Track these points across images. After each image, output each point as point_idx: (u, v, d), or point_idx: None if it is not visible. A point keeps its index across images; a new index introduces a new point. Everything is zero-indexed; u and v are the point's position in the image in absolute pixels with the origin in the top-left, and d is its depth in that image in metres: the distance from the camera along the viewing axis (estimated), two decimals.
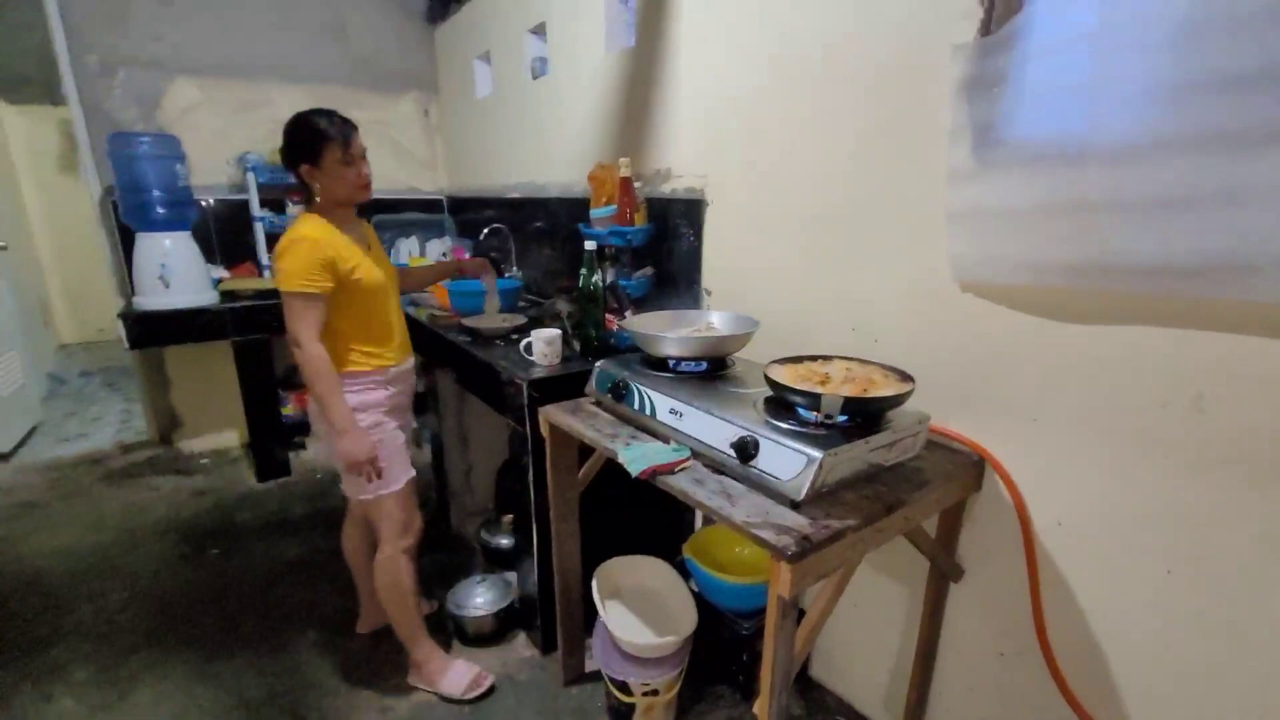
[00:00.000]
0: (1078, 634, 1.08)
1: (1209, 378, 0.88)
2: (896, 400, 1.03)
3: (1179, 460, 0.92)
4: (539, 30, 2.37)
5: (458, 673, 1.61)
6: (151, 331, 2.47)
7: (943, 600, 1.29)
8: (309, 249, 1.34)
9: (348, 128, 1.41)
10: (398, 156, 3.34)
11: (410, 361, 1.64)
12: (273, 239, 2.86)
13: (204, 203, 2.82)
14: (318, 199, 1.44)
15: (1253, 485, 0.86)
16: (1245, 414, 0.85)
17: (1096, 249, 0.94)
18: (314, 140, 1.37)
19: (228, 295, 2.64)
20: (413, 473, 1.59)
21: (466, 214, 3.23)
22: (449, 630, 1.84)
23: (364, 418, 1.47)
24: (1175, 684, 0.98)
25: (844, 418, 1.03)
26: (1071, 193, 0.95)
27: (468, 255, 2.98)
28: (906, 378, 1.10)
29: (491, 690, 1.62)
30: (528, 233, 2.61)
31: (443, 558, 2.24)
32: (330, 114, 1.41)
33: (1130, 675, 1.03)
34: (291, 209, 2.96)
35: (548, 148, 2.40)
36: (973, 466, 1.15)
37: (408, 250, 3.05)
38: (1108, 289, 0.95)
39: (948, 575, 1.25)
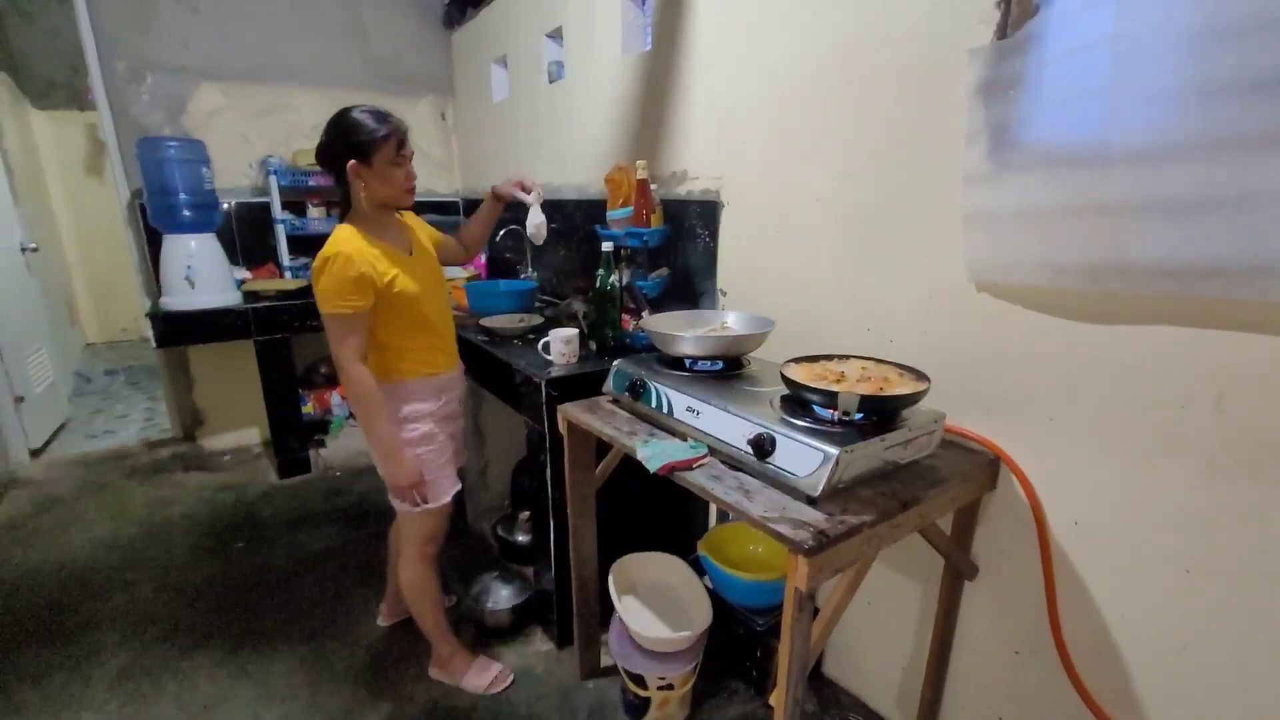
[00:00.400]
0: (1093, 633, 1.09)
1: (1229, 379, 0.88)
2: (912, 399, 1.04)
3: (1198, 460, 0.93)
4: (556, 35, 2.40)
5: (479, 670, 1.65)
6: (178, 331, 2.53)
7: (957, 598, 1.30)
8: (342, 266, 1.26)
9: (403, 125, 1.36)
10: (417, 159, 3.36)
11: (460, 368, 1.61)
12: (294, 241, 2.93)
13: (227, 205, 2.88)
14: (356, 203, 1.36)
15: (1274, 485, 0.86)
16: (1266, 415, 0.86)
17: (1113, 250, 0.94)
18: (373, 135, 1.29)
19: (250, 295, 2.70)
20: (458, 487, 1.57)
21: None
22: (469, 624, 1.87)
23: (416, 427, 1.44)
24: (1193, 684, 0.98)
25: (860, 415, 1.05)
26: (1088, 195, 0.96)
27: (483, 257, 3.01)
28: (922, 377, 1.11)
29: (512, 685, 1.65)
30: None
31: (459, 553, 2.27)
32: (383, 111, 1.34)
33: (1147, 675, 1.03)
34: (312, 211, 3.01)
35: (564, 150, 2.43)
36: (988, 465, 1.16)
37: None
38: (1125, 290, 0.96)
39: (962, 573, 1.26)
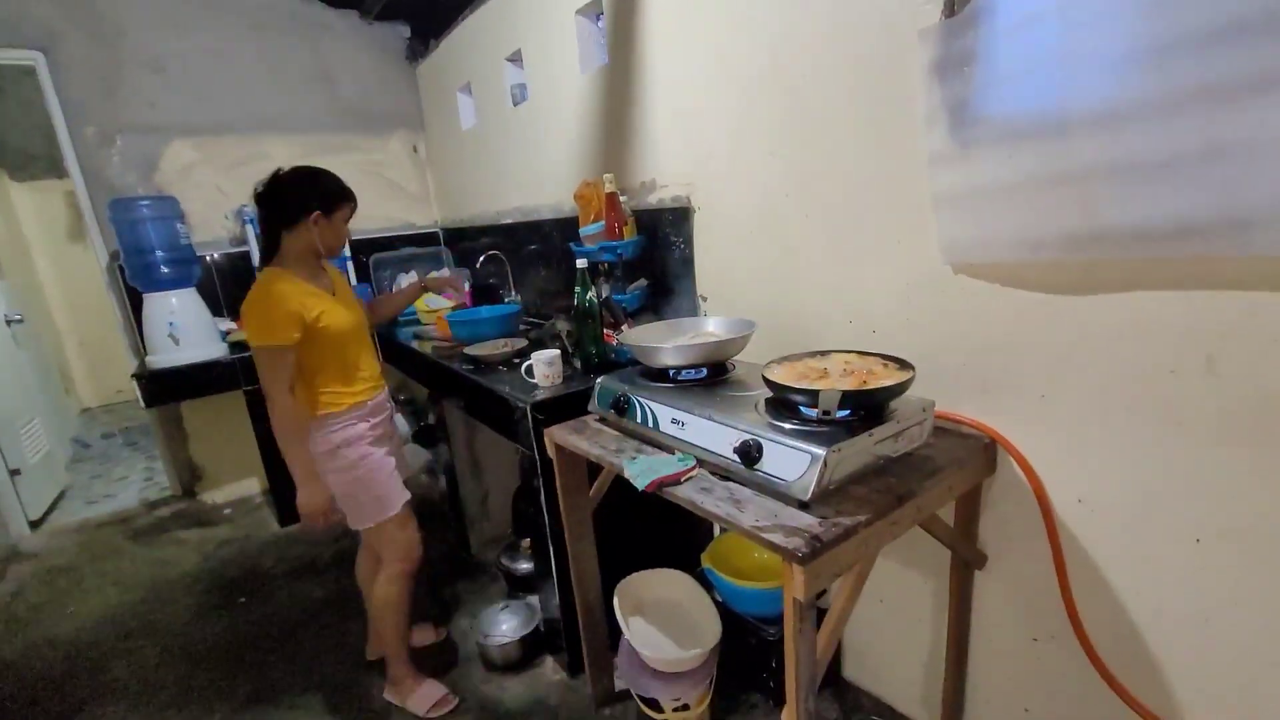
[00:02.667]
0: (1111, 612, 1.05)
1: (1219, 340, 0.86)
2: (897, 390, 1.01)
3: (1196, 425, 0.90)
4: (515, 58, 2.40)
5: (425, 693, 1.67)
6: (166, 388, 2.51)
7: (969, 589, 1.26)
8: (274, 303, 1.38)
9: (354, 195, 1.55)
10: (392, 194, 3.38)
11: (385, 391, 1.68)
12: None
13: (207, 258, 2.87)
14: (292, 251, 1.47)
15: (1275, 443, 0.83)
16: (1258, 372, 0.83)
17: (1087, 218, 0.92)
18: (339, 195, 1.48)
19: (235, 346, 2.68)
20: (407, 496, 1.63)
21: (463, 243, 3.26)
22: (479, 660, 1.83)
23: (349, 452, 1.52)
24: (1219, 655, 0.94)
25: (846, 412, 1.02)
26: (1055, 164, 0.94)
27: (467, 285, 3.00)
28: (906, 366, 1.08)
29: (457, 707, 1.67)
30: (523, 256, 2.63)
31: (465, 585, 2.23)
32: (339, 179, 1.52)
33: (1169, 650, 0.99)
34: None
35: (535, 171, 2.42)
36: (984, 449, 1.13)
37: (407, 284, 3.07)
38: (1103, 257, 0.93)
39: (970, 563, 1.22)
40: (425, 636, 1.92)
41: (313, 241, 1.47)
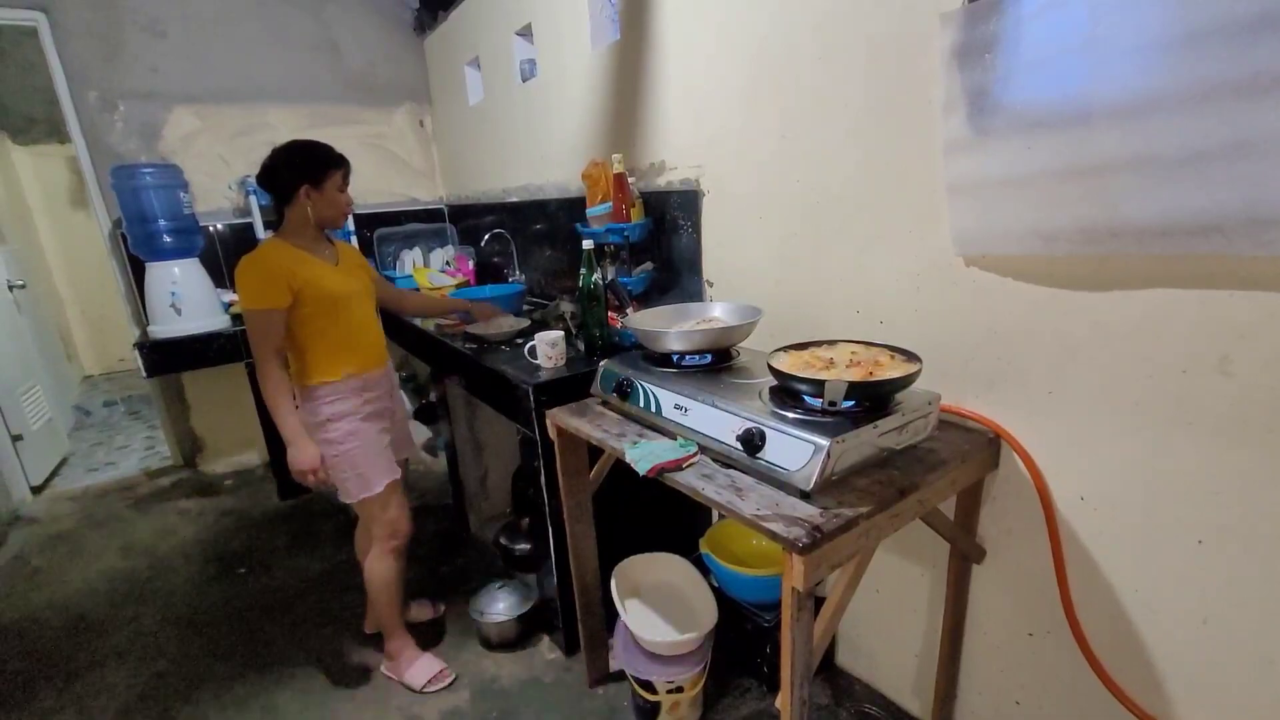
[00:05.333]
0: (1108, 610, 1.05)
1: (1235, 339, 0.84)
2: (903, 382, 1.01)
3: (1205, 426, 0.89)
4: (525, 32, 2.35)
5: (422, 667, 1.69)
6: (167, 358, 2.50)
7: (966, 582, 1.26)
8: (260, 266, 1.40)
9: (347, 160, 1.53)
10: (396, 168, 3.35)
11: (385, 367, 1.68)
12: None
13: (210, 228, 2.85)
14: (292, 223, 1.49)
15: None
16: (1273, 375, 0.82)
17: (1105, 212, 0.90)
18: (324, 163, 1.47)
19: (238, 318, 2.67)
20: (395, 475, 1.64)
21: (467, 221, 3.24)
22: (476, 636, 1.85)
23: (339, 426, 1.52)
24: (1216, 657, 0.94)
25: (850, 403, 1.01)
26: (1075, 156, 0.92)
27: (471, 263, 2.98)
28: (913, 358, 1.07)
29: (453, 684, 1.69)
30: (529, 235, 2.60)
31: (463, 563, 2.25)
32: (330, 146, 1.52)
33: (1167, 650, 1.00)
34: None
35: (543, 149, 2.39)
36: (988, 444, 1.12)
37: (411, 261, 3.06)
38: (1120, 253, 0.91)
39: (969, 556, 1.22)
40: (423, 613, 1.94)
41: (309, 214, 1.48)
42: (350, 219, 1.66)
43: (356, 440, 1.55)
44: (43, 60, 2.59)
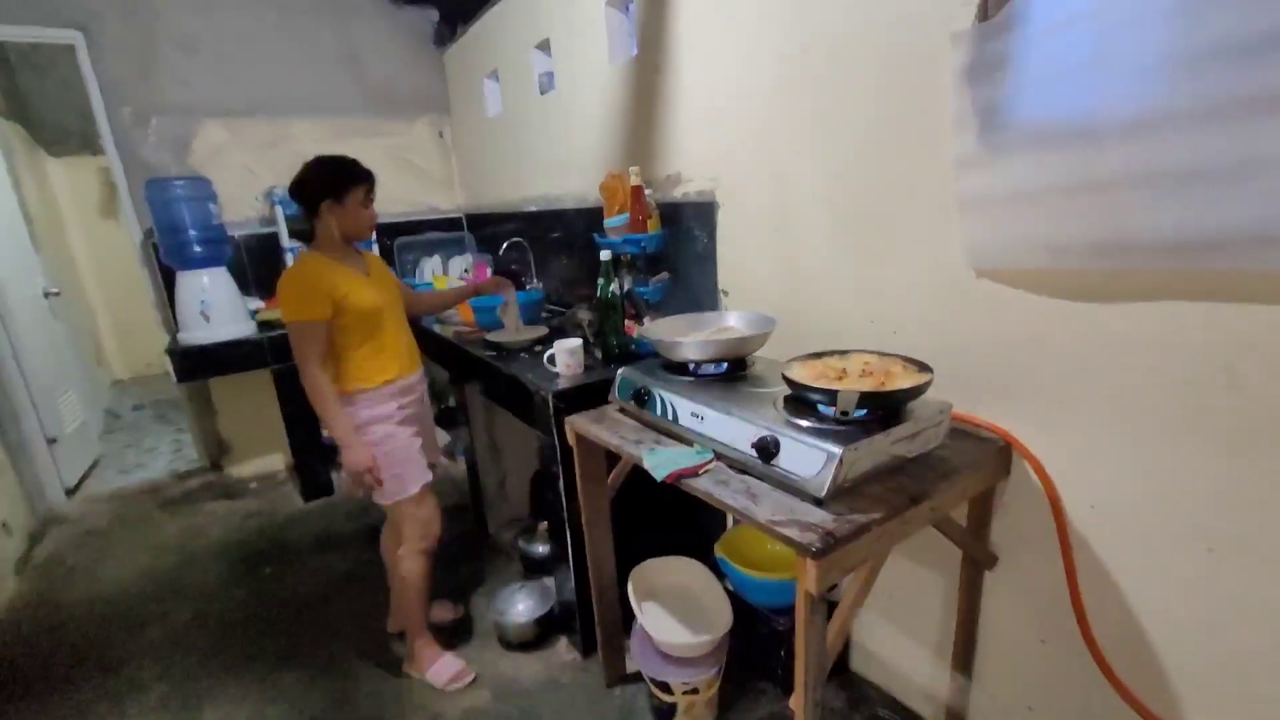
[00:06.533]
0: (1119, 618, 1.06)
1: (1240, 351, 0.86)
2: (915, 391, 1.03)
3: (1214, 436, 0.91)
4: (544, 46, 2.41)
5: (444, 666, 1.74)
6: (196, 365, 2.59)
7: (978, 588, 1.28)
8: (301, 280, 1.47)
9: (372, 174, 1.58)
10: (416, 178, 3.42)
11: (418, 373, 1.74)
12: None
13: (236, 237, 2.94)
14: (321, 236, 1.55)
15: None
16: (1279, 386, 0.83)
17: (1114, 227, 0.92)
18: (346, 179, 1.52)
19: (264, 325, 2.75)
20: (428, 478, 1.69)
21: (486, 229, 3.30)
22: (494, 638, 1.89)
23: (376, 429, 1.58)
24: (1226, 665, 0.96)
25: (863, 412, 1.04)
26: (1084, 172, 0.94)
27: (489, 271, 3.04)
28: (925, 368, 1.09)
29: (474, 682, 1.74)
30: (546, 244, 2.65)
31: (482, 566, 2.29)
32: (355, 161, 1.57)
33: (1178, 658, 1.01)
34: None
35: (560, 160, 2.44)
36: (999, 453, 1.15)
37: (431, 269, 3.13)
38: (1129, 267, 0.94)
39: (981, 563, 1.24)
40: (444, 613, 1.99)
41: (335, 227, 1.54)
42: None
43: (393, 443, 1.60)
44: (79, 76, 2.70)
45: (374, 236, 3.16)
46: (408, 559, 1.70)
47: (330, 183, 1.51)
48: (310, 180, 1.52)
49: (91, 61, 2.64)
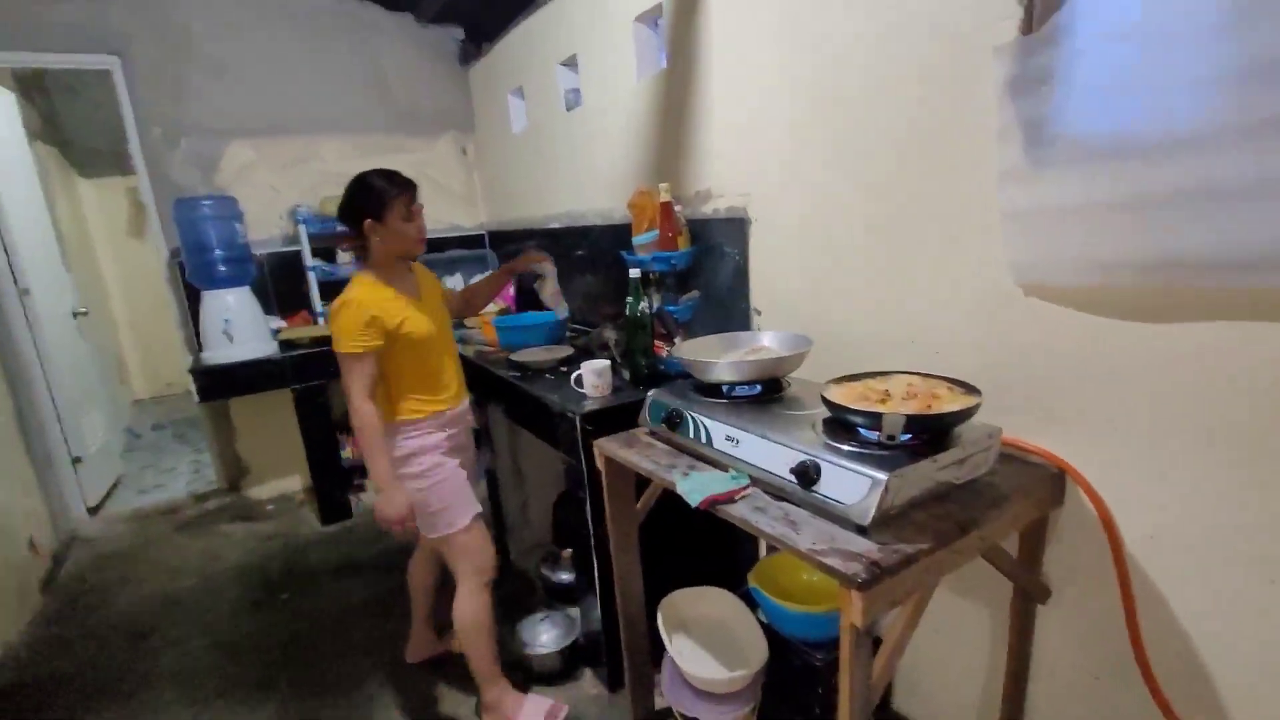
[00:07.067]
0: (1179, 653, 1.04)
1: None
2: (963, 415, 1.03)
3: (1273, 461, 0.89)
4: (570, 63, 2.47)
5: (533, 707, 1.67)
6: (219, 384, 2.67)
7: (1030, 622, 1.25)
8: (355, 310, 1.45)
9: (411, 185, 1.55)
10: (439, 195, 3.51)
11: (466, 402, 1.74)
12: (325, 287, 3.06)
13: (260, 255, 3.04)
14: (372, 254, 1.55)
15: None
16: None
17: (1163, 245, 0.92)
18: (383, 196, 1.49)
19: (286, 344, 2.83)
20: (478, 508, 1.66)
21: (508, 246, 3.37)
22: (517, 669, 1.89)
23: (424, 460, 1.57)
24: None
25: (908, 436, 1.03)
26: (1132, 188, 0.94)
27: (511, 289, 3.09)
28: (972, 390, 1.09)
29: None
30: (570, 261, 2.70)
31: (503, 593, 2.30)
32: (393, 173, 1.54)
33: (1240, 695, 0.98)
34: (342, 257, 3.15)
35: (585, 177, 2.49)
36: (1052, 480, 1.13)
37: (453, 287, 3.19)
38: (1181, 284, 0.93)
39: (1033, 596, 1.22)
40: None
41: (381, 247, 1.53)
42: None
43: (441, 474, 1.58)
44: (111, 99, 2.85)
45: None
46: (467, 599, 1.62)
47: (367, 201, 1.50)
48: (350, 201, 1.52)
49: (126, 85, 2.78)
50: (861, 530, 0.95)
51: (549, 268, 1.87)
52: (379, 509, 1.50)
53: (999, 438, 1.11)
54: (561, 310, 1.87)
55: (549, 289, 1.89)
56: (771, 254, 1.69)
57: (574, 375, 1.72)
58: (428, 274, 1.73)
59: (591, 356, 1.92)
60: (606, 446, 1.43)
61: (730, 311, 1.83)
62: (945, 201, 1.24)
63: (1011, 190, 1.10)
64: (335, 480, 2.98)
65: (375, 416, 1.49)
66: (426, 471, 1.57)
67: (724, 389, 1.37)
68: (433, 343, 1.58)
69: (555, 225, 2.79)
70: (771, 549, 1.80)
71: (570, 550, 2.08)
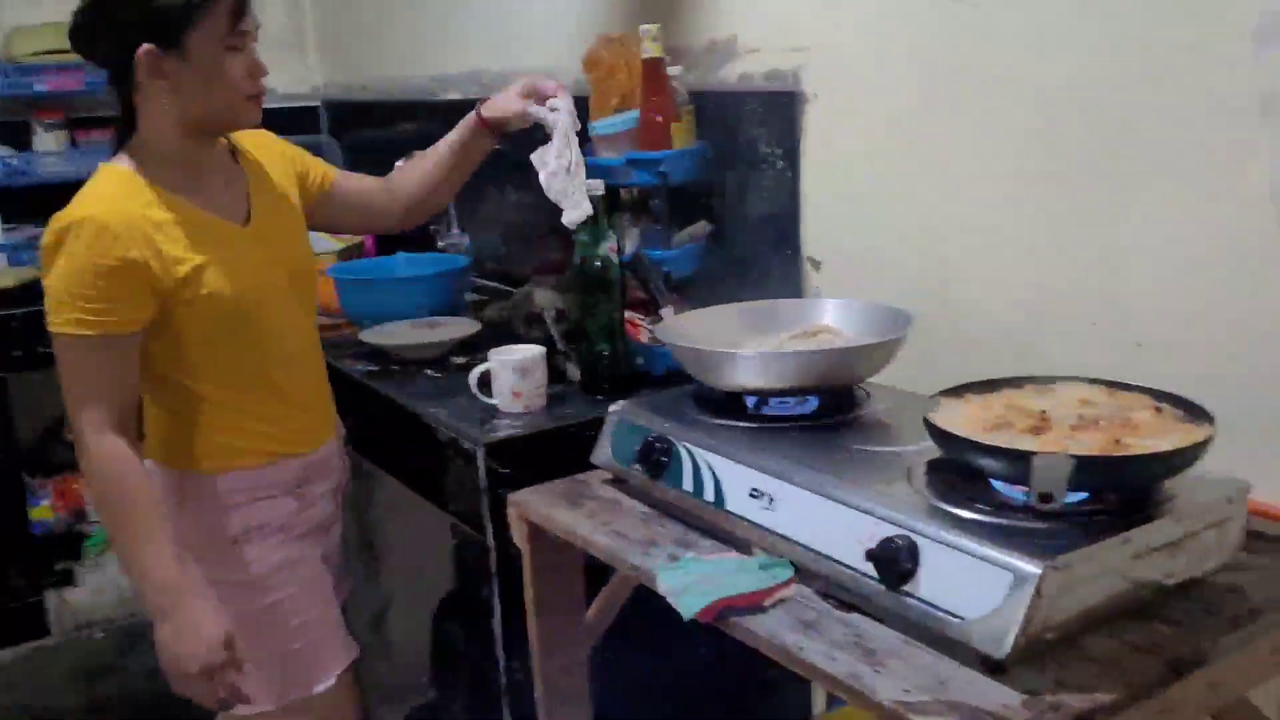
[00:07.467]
0: None
1: None
2: (1181, 461, 1.03)
3: None
4: None
5: None
6: None
7: None
8: (89, 243, 1.31)
9: None
10: None
11: (338, 437, 1.70)
12: (11, 196, 3.01)
13: None
14: (144, 132, 1.43)
15: None
16: None
17: None
18: (184, 2, 1.33)
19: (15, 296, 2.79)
20: (354, 651, 1.65)
21: (361, 132, 3.39)
22: None
23: (257, 550, 1.51)
24: None
25: (1081, 495, 1.03)
26: None
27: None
28: (1199, 413, 1.09)
29: None
30: (479, 169, 2.67)
31: None
32: None
33: None
34: (45, 138, 3.09)
35: (507, 14, 2.50)
36: None
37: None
38: None
39: None
40: None
41: (171, 109, 1.39)
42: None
43: (293, 581, 1.54)
44: None
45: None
46: None
47: (151, 9, 1.31)
48: (111, 10, 1.35)
49: None
50: (994, 667, 0.95)
51: (563, 105, 1.63)
52: (168, 647, 1.37)
53: (1244, 501, 1.12)
54: (574, 207, 1.53)
55: (554, 159, 1.60)
56: (843, 161, 1.69)
57: (476, 372, 1.70)
58: (280, 153, 1.66)
59: (513, 339, 1.91)
60: (533, 504, 1.42)
61: (765, 263, 1.84)
62: (1158, 71, 1.25)
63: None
64: (17, 563, 2.93)
65: (132, 463, 1.38)
66: (264, 576, 1.51)
67: (749, 402, 1.37)
68: (271, 313, 1.50)
69: (452, 95, 2.78)
70: (834, 699, 1.80)
71: (463, 698, 2.07)
